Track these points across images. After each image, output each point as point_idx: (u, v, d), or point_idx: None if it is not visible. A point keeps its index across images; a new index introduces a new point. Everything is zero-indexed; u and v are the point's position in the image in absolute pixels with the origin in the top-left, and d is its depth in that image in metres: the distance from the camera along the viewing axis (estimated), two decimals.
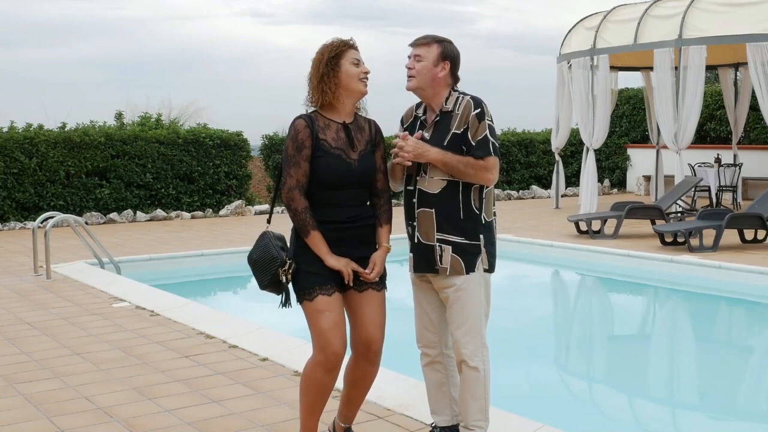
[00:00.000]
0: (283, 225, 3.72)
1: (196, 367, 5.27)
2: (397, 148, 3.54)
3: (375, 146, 3.62)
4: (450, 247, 3.54)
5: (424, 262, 3.60)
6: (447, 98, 3.60)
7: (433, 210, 3.55)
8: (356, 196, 3.56)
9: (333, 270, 3.48)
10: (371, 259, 3.56)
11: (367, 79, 3.55)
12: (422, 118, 3.69)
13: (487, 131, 3.51)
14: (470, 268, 3.54)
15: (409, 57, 3.63)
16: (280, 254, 3.49)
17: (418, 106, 3.74)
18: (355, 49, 3.56)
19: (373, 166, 3.58)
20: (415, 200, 3.60)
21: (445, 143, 3.52)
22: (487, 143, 3.50)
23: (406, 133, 3.58)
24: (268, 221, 3.72)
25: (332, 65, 3.48)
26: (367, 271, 3.53)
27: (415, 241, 3.62)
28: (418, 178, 3.59)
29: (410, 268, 3.70)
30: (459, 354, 3.58)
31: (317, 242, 3.46)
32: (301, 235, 3.48)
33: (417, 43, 3.62)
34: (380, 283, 3.62)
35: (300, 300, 3.51)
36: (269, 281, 3.51)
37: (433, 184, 3.55)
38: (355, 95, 3.55)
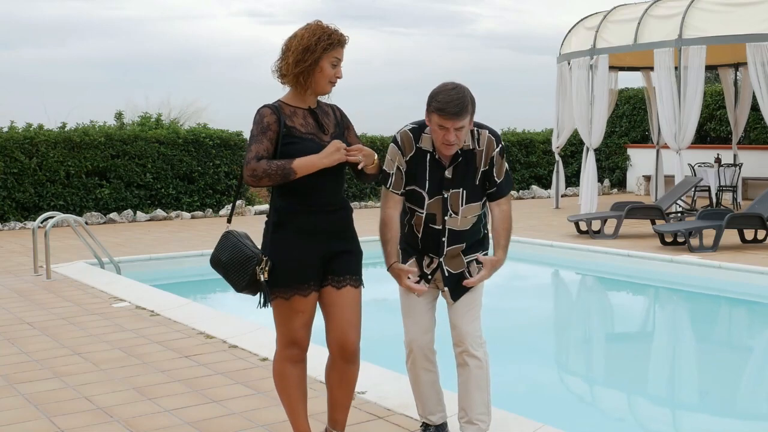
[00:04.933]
0: (242, 226, 3.67)
1: (196, 367, 5.27)
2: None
3: (345, 128, 3.55)
4: (474, 261, 3.63)
5: (459, 287, 3.62)
6: None
7: (464, 243, 3.60)
8: (331, 182, 3.43)
9: (310, 266, 3.39)
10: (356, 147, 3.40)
11: (336, 83, 3.44)
12: (433, 154, 3.52)
13: (506, 166, 3.62)
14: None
15: (446, 128, 3.37)
16: (255, 252, 3.38)
17: (417, 137, 3.54)
18: (342, 46, 3.41)
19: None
20: (444, 239, 3.57)
21: (477, 182, 3.54)
22: (509, 179, 3.64)
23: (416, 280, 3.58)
24: (229, 221, 3.60)
25: (314, 59, 3.34)
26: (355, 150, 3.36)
27: (446, 274, 3.60)
28: (446, 218, 3.54)
29: (419, 286, 3.60)
30: (465, 345, 3.61)
31: (305, 163, 3.28)
32: (290, 177, 3.26)
33: (457, 116, 3.34)
34: (358, 279, 3.54)
35: (274, 297, 3.39)
36: (248, 282, 3.37)
37: (466, 222, 3.58)
38: (318, 92, 3.45)
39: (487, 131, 3.55)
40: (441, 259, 3.59)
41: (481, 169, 3.53)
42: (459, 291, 3.62)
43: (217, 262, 3.48)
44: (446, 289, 3.62)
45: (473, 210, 3.57)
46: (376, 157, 3.48)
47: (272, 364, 3.60)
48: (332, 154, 3.32)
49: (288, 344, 3.48)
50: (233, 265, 3.40)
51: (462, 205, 3.53)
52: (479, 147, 3.52)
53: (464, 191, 3.52)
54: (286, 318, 3.44)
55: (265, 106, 3.42)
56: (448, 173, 3.52)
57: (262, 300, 3.41)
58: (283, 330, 3.47)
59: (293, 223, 3.40)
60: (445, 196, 3.52)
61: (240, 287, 3.42)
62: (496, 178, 3.56)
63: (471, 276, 3.61)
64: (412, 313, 3.70)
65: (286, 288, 3.39)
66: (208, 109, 22.19)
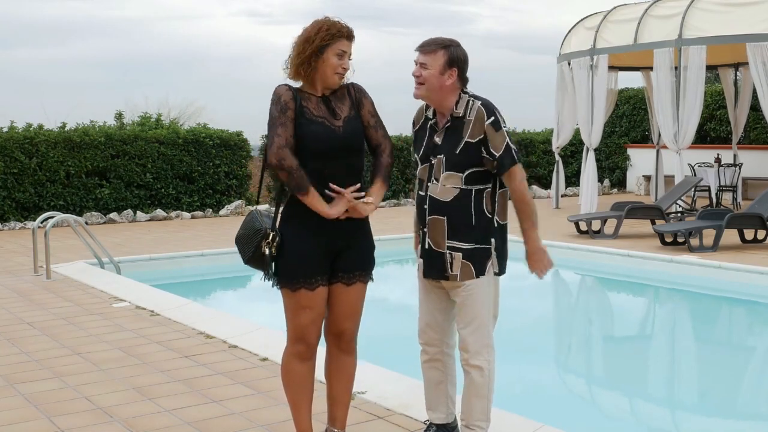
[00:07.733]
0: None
1: (196, 367, 5.27)
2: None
3: (358, 105, 3.54)
4: (460, 254, 3.51)
5: (434, 269, 3.57)
6: (457, 102, 3.53)
7: (445, 218, 3.50)
8: (344, 168, 3.44)
9: (316, 259, 3.41)
10: (369, 192, 3.45)
11: (343, 74, 3.46)
12: (432, 121, 3.61)
13: (507, 139, 3.47)
14: (480, 272, 3.53)
15: (416, 63, 3.53)
16: (264, 226, 3.44)
17: (428, 107, 3.65)
18: (348, 38, 3.45)
19: (358, 129, 3.49)
20: (426, 207, 3.55)
21: (458, 151, 3.47)
22: (510, 153, 3.46)
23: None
24: (257, 203, 3.72)
25: (317, 52, 3.40)
26: (367, 200, 3.42)
27: (426, 247, 3.58)
28: (429, 184, 3.54)
29: (419, 271, 3.66)
30: (464, 353, 3.58)
31: (315, 199, 3.35)
32: (299, 195, 3.34)
33: (422, 51, 3.52)
34: (367, 274, 3.58)
35: (281, 286, 3.46)
36: (252, 254, 3.44)
37: (445, 192, 3.50)
38: (327, 84, 3.47)
39: (480, 102, 3.49)
40: (425, 229, 3.56)
41: (466, 139, 3.46)
42: (433, 271, 3.57)
43: (236, 236, 3.57)
44: (421, 260, 3.60)
45: (452, 180, 3.48)
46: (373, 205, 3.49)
47: (281, 359, 3.62)
48: (337, 210, 3.37)
49: (296, 340, 3.50)
50: (244, 237, 3.49)
51: (442, 172, 3.50)
52: (468, 117, 3.48)
53: (444, 158, 3.50)
54: (294, 313, 3.47)
55: (281, 85, 3.47)
56: (438, 139, 3.53)
57: (267, 274, 3.46)
58: (291, 326, 3.51)
59: (301, 216, 3.42)
60: (432, 162, 3.53)
61: (245, 258, 3.49)
62: (494, 152, 3.43)
63: (451, 269, 3.50)
64: (420, 304, 3.73)
65: (293, 280, 3.42)
66: (208, 108, 22.20)
